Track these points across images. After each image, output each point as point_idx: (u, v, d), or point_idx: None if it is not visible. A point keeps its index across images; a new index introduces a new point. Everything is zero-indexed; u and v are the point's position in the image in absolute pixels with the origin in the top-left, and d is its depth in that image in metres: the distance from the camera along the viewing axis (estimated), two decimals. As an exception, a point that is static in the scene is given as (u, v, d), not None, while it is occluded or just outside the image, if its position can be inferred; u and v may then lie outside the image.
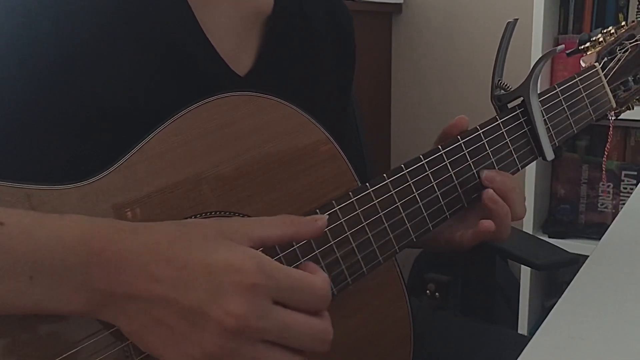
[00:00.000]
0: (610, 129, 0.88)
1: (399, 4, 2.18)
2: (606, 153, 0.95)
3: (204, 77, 0.64)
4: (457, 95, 2.14)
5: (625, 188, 1.89)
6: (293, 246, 0.58)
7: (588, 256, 0.75)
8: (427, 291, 1.98)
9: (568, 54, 0.86)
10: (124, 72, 0.59)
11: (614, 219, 0.90)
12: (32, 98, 0.57)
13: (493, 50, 0.74)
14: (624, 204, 1.69)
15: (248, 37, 0.70)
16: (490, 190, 0.68)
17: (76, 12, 0.58)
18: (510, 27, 0.73)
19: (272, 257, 0.53)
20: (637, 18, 1.81)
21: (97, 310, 0.49)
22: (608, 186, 1.90)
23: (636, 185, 1.78)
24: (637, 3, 1.82)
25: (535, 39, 1.75)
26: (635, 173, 1.87)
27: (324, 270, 0.58)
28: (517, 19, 0.73)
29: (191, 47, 0.63)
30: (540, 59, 0.72)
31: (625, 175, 1.88)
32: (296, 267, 0.53)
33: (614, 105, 0.83)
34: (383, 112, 2.26)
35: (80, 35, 0.58)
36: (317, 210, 0.59)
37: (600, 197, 1.92)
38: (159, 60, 0.61)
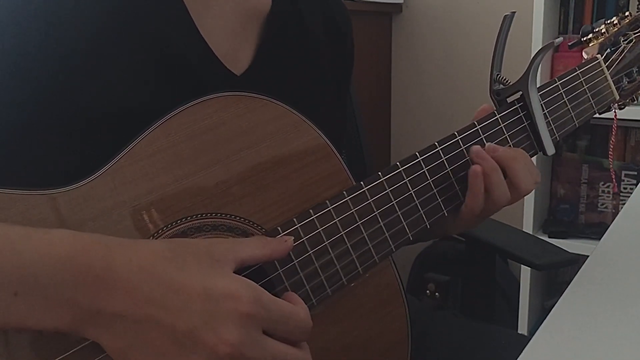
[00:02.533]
0: (614, 122, 0.87)
1: (399, 4, 2.18)
2: (611, 147, 0.94)
3: (201, 78, 0.64)
4: (457, 94, 2.14)
5: (625, 188, 1.88)
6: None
7: (588, 256, 0.75)
8: (427, 291, 1.98)
9: (570, 46, 0.84)
10: (121, 74, 0.59)
11: (614, 219, 0.90)
12: (29, 101, 0.57)
13: (493, 50, 0.74)
14: (624, 204, 1.69)
15: (245, 36, 0.70)
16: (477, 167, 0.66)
17: (73, 15, 0.58)
18: (508, 20, 0.72)
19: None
20: (637, 17, 1.80)
21: (81, 328, 0.48)
22: (608, 186, 1.90)
23: (636, 185, 1.78)
24: (637, 2, 1.82)
25: (536, 38, 1.75)
26: (635, 173, 1.87)
27: (318, 271, 0.59)
28: (514, 12, 0.72)
29: (187, 48, 0.63)
30: (538, 52, 0.71)
31: (625, 175, 1.88)
32: (276, 294, 0.54)
33: (617, 98, 0.81)
34: (383, 112, 2.26)
35: (77, 37, 0.58)
36: (294, 219, 0.59)
37: (601, 197, 1.92)
38: (156, 61, 0.61)
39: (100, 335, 0.48)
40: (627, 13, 0.84)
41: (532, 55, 0.71)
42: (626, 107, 0.86)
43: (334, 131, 0.66)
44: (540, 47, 0.71)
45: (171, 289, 0.48)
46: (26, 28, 0.57)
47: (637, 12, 1.83)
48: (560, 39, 0.73)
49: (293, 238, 0.58)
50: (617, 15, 0.85)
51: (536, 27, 1.75)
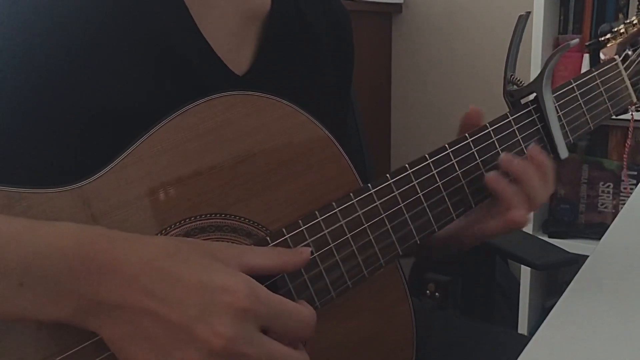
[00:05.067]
0: (631, 125, 0.86)
1: (399, 4, 2.18)
2: (627, 149, 0.93)
3: (202, 78, 0.63)
4: (457, 95, 2.14)
5: (626, 188, 1.89)
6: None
7: (588, 256, 0.75)
8: (427, 291, 1.98)
9: (587, 46, 0.83)
10: (121, 74, 0.59)
11: (614, 219, 0.90)
12: (30, 101, 0.57)
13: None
14: (624, 204, 1.69)
15: (246, 36, 0.70)
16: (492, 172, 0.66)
17: (73, 14, 0.58)
18: (523, 20, 0.71)
19: None
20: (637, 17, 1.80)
21: (83, 318, 0.48)
22: (608, 186, 1.90)
23: (636, 185, 1.78)
24: (637, 3, 1.82)
25: (535, 38, 1.75)
26: (635, 173, 1.87)
27: (322, 274, 0.59)
28: (529, 12, 0.70)
29: (188, 48, 0.63)
30: (553, 53, 0.69)
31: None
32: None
33: (634, 100, 0.79)
34: (383, 112, 2.26)
35: (78, 36, 0.58)
36: (300, 221, 0.59)
37: (601, 197, 1.92)
38: (157, 61, 0.61)
39: (100, 325, 0.49)
40: None
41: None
42: (627, 108, 0.86)
43: (336, 132, 0.66)
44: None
45: (169, 282, 0.48)
46: (29, 25, 0.57)
47: (637, 12, 1.83)
48: (577, 40, 0.72)
49: (310, 250, 0.57)
50: (616, 16, 0.84)
51: (536, 27, 1.75)
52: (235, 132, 0.57)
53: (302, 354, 0.53)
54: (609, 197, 1.91)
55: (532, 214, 1.85)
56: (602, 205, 1.92)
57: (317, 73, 0.76)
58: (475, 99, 2.05)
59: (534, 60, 1.73)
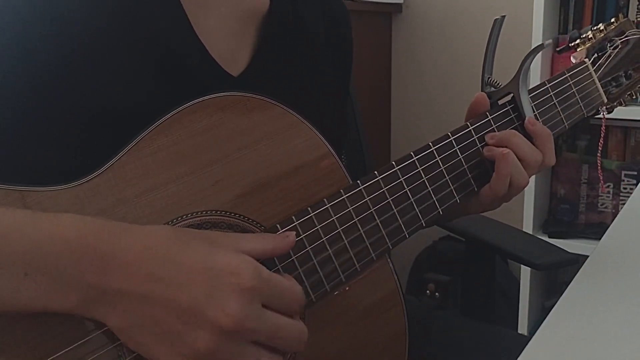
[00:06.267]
0: (603, 124, 0.89)
1: (399, 4, 2.18)
2: (599, 149, 0.95)
3: (197, 79, 0.64)
4: (457, 95, 2.14)
5: (625, 188, 1.88)
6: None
7: (588, 256, 0.75)
8: (427, 291, 1.98)
9: (559, 51, 0.87)
10: (121, 74, 0.60)
11: (614, 219, 0.90)
12: (29, 102, 0.57)
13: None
14: (624, 204, 1.69)
15: (243, 37, 0.70)
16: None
17: (71, 17, 0.59)
18: (498, 24, 0.74)
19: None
20: (637, 18, 1.81)
21: (89, 308, 0.49)
22: (608, 186, 1.90)
23: (636, 185, 1.78)
24: (637, 3, 1.81)
25: (535, 39, 1.75)
26: (635, 173, 1.87)
27: (316, 267, 0.60)
28: (504, 16, 0.74)
29: (184, 49, 0.63)
30: (528, 54, 0.73)
31: (625, 175, 1.88)
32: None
33: (605, 101, 0.83)
34: (383, 112, 2.26)
35: (75, 39, 0.58)
36: (293, 217, 0.60)
37: (601, 197, 1.92)
38: (154, 62, 0.62)
39: (107, 315, 0.49)
40: (612, 20, 0.87)
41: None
42: (626, 107, 0.87)
43: (335, 131, 0.66)
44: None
45: (173, 266, 0.49)
46: (29, 25, 0.58)
47: (637, 12, 1.83)
48: (550, 40, 0.75)
49: (295, 233, 0.58)
50: (616, 16, 0.86)
51: (536, 27, 1.75)
52: (228, 132, 0.59)
53: (302, 324, 0.55)
54: (609, 197, 1.91)
55: (532, 214, 1.85)
56: (602, 205, 1.92)
57: (315, 72, 0.76)
58: (475, 99, 2.04)
59: (536, 61, 1.73)
